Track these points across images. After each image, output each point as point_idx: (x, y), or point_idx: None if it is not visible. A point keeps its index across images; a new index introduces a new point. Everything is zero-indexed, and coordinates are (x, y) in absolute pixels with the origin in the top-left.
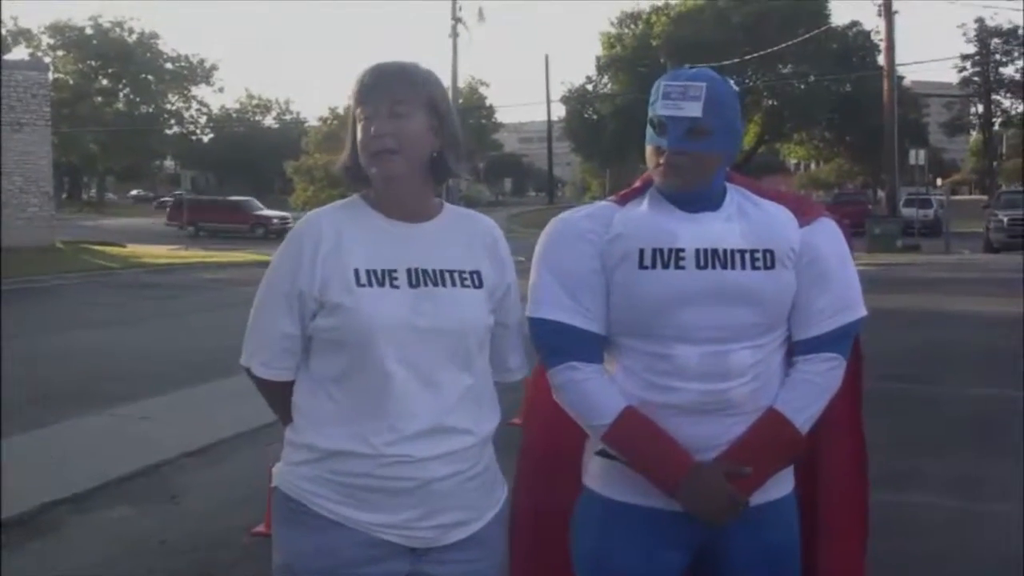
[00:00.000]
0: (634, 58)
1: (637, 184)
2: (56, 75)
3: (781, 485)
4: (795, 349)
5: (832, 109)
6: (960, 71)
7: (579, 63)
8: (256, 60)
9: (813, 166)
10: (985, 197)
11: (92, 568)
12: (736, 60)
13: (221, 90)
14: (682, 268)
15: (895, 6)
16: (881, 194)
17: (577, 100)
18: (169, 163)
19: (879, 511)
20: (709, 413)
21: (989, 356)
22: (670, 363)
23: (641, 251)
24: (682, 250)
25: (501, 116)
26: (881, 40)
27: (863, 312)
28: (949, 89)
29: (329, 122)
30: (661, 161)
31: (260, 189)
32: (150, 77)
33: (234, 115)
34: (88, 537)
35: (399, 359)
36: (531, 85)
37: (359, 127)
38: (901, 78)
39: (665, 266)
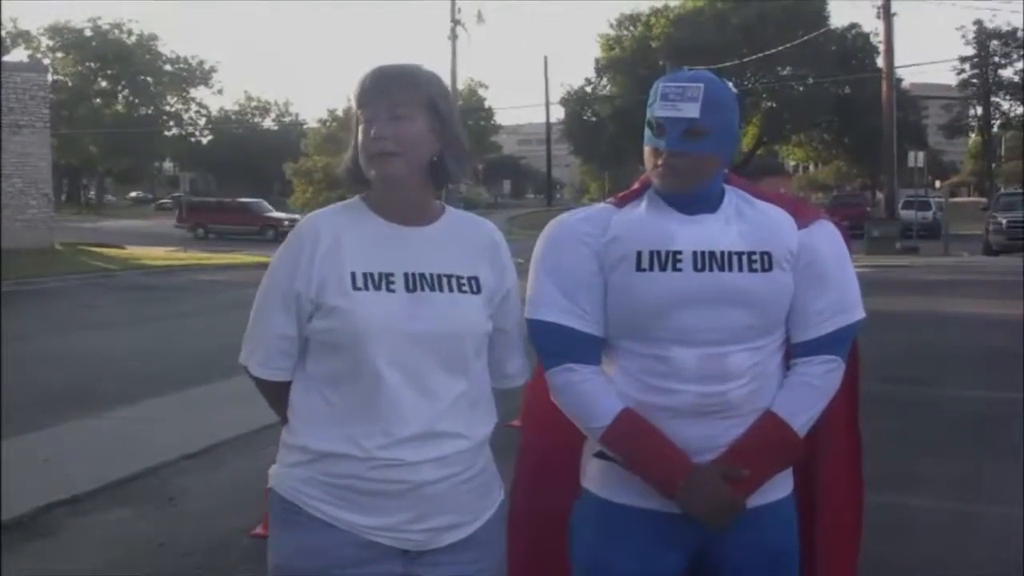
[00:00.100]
0: (633, 60)
1: (636, 186)
2: (55, 77)
3: (780, 487)
4: (793, 351)
5: (831, 111)
6: (959, 73)
7: (578, 65)
8: (255, 62)
9: (812, 168)
10: (984, 199)
11: (91, 570)
12: (735, 62)
13: (220, 92)
14: (679, 270)
15: (894, 8)
16: (880, 196)
17: (576, 102)
18: (168, 165)
19: (878, 513)
20: (707, 415)
21: (988, 358)
22: (668, 365)
23: (638, 253)
24: (679, 252)
25: (500, 118)
26: (880, 42)
27: (862, 314)
28: (948, 91)
29: (328, 124)
30: (659, 162)
31: (259, 191)
32: (149, 79)
33: (233, 117)
34: (87, 539)
35: (393, 363)
36: (530, 87)
37: (360, 129)
38: (900, 80)
39: (662, 268)
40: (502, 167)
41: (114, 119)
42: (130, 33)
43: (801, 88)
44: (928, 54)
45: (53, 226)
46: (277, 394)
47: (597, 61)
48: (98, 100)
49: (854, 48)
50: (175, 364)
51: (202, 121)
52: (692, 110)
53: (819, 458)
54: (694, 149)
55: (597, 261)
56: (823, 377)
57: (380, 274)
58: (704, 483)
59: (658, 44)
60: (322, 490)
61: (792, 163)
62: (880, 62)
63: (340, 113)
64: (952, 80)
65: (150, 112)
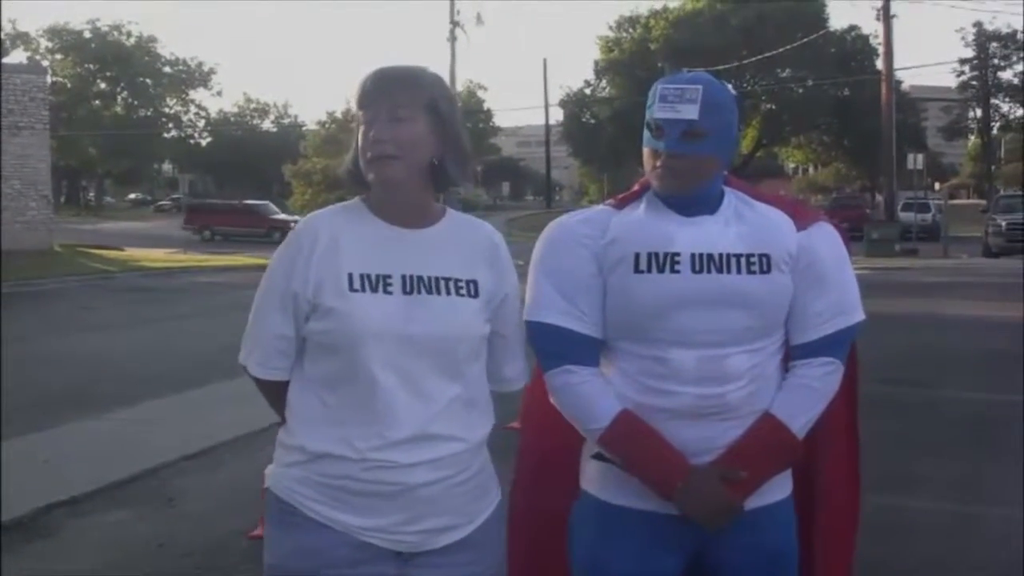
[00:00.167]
0: (632, 62)
1: (635, 188)
2: (54, 78)
3: (779, 489)
4: (792, 353)
5: (830, 113)
6: (959, 75)
7: (577, 67)
8: (254, 64)
9: (811, 170)
10: (983, 201)
11: (90, 571)
12: (734, 64)
13: (219, 93)
14: (677, 272)
15: (893, 10)
16: (879, 198)
17: (575, 104)
18: (167, 167)
19: (878, 515)
20: (705, 417)
21: (988, 360)
22: (666, 367)
23: (637, 255)
24: (677, 254)
25: (499, 120)
26: (879, 44)
27: (861, 316)
28: (947, 93)
29: (327, 126)
30: (658, 164)
31: (258, 192)
32: (148, 80)
33: (232, 119)
34: (86, 541)
35: (388, 365)
36: (529, 89)
37: (360, 131)
38: (899, 82)
39: (660, 270)
40: (501, 169)
41: (113, 121)
42: (129, 35)
43: (800, 90)
44: (928, 56)
45: (52, 228)
46: (277, 394)
47: (596, 63)
48: (97, 102)
49: (853, 50)
50: (174, 365)
51: (201, 123)
52: (691, 112)
53: (818, 460)
54: (693, 151)
55: (596, 263)
56: (822, 379)
57: (377, 276)
58: (702, 485)
59: (657, 46)
60: (317, 490)
61: (791, 165)
62: (879, 64)
63: (339, 115)
64: (952, 82)
65: (149, 114)
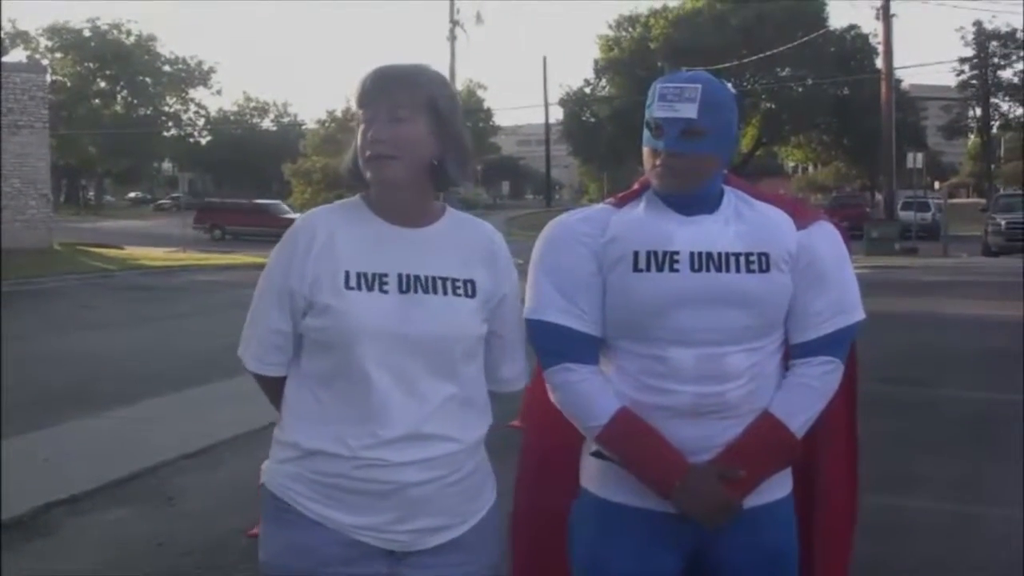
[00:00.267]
0: (632, 61)
1: (635, 187)
2: (54, 77)
3: (778, 487)
4: (792, 352)
5: (830, 112)
6: (958, 74)
7: (577, 66)
8: (254, 63)
9: (811, 169)
10: (983, 200)
11: (90, 570)
12: (734, 63)
13: (219, 92)
14: (676, 271)
15: (893, 9)
16: (879, 197)
17: (575, 103)
18: (167, 165)
19: (878, 515)
20: (704, 415)
21: (988, 359)
22: (665, 365)
23: (636, 254)
24: (676, 253)
25: (499, 119)
26: (879, 43)
27: (861, 315)
28: (947, 92)
29: (327, 125)
30: (657, 163)
31: (258, 191)
32: (148, 79)
33: (232, 117)
34: (86, 539)
35: (383, 364)
36: (529, 88)
37: (359, 130)
38: (899, 81)
39: (659, 269)
40: (501, 168)
41: (113, 119)
42: (129, 34)
43: (800, 89)
44: (927, 55)
45: (52, 226)
46: (275, 390)
47: (596, 62)
48: (97, 100)
49: (853, 49)
50: (173, 364)
51: (201, 121)
52: (690, 110)
53: (818, 459)
54: (692, 149)
55: (595, 261)
56: (821, 378)
57: (374, 274)
58: (700, 483)
59: (657, 45)
60: (310, 488)
61: (791, 164)
62: (879, 63)
63: (339, 114)
64: (951, 81)
65: (149, 112)
